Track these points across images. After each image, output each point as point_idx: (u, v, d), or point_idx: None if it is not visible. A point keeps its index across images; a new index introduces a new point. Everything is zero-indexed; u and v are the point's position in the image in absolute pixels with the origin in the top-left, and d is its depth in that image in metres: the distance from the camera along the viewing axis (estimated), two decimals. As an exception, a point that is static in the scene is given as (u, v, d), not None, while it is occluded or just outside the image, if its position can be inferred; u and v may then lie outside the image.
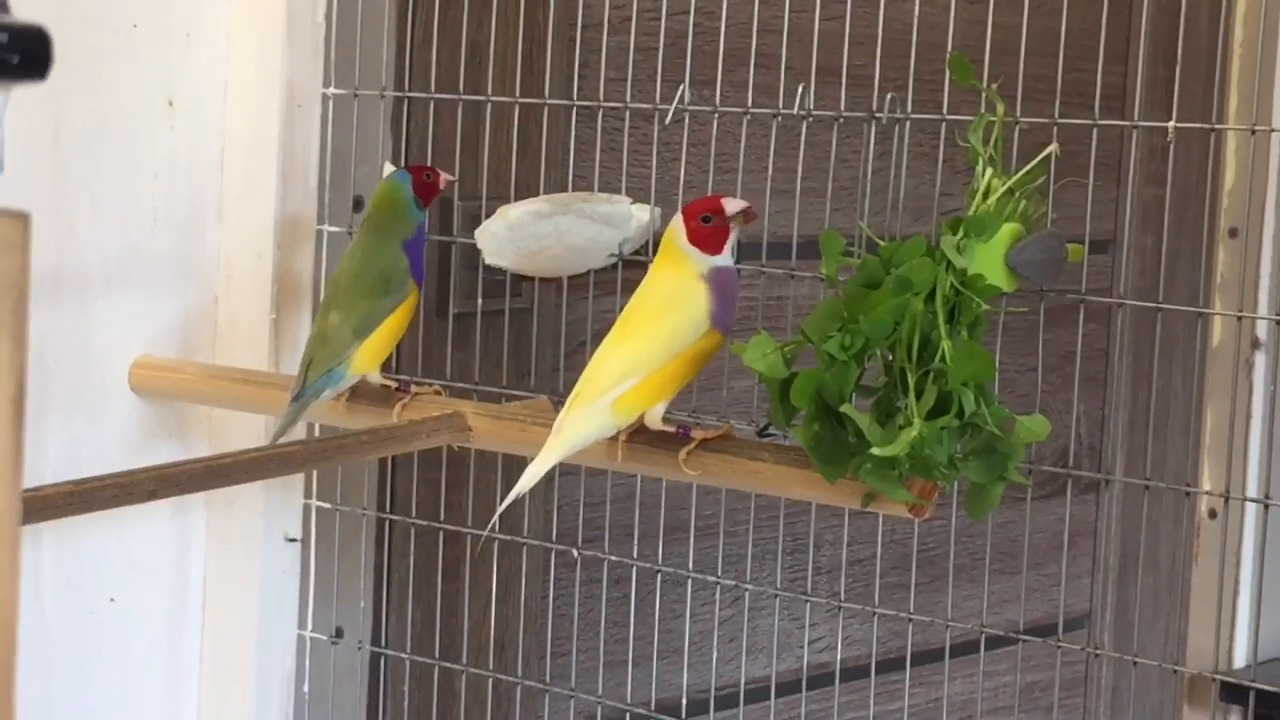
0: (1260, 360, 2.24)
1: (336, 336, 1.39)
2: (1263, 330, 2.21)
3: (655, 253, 1.46)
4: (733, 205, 1.26)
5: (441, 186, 1.44)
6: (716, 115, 1.47)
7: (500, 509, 1.24)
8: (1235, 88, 2.19)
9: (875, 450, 1.13)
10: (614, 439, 1.28)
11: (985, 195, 1.22)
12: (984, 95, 1.24)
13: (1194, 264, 2.18)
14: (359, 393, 1.43)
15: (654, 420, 1.25)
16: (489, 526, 1.28)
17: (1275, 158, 2.21)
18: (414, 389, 1.42)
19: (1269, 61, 2.13)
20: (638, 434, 1.28)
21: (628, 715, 1.63)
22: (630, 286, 1.55)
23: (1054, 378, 2.05)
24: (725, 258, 1.27)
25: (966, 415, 1.15)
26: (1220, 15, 2.08)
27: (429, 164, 1.50)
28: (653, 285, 1.29)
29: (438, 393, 1.43)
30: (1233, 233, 2.23)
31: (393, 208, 1.43)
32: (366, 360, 1.40)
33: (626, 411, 1.25)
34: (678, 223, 1.27)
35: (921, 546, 1.93)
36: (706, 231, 1.26)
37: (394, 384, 1.42)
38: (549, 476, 1.69)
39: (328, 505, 1.62)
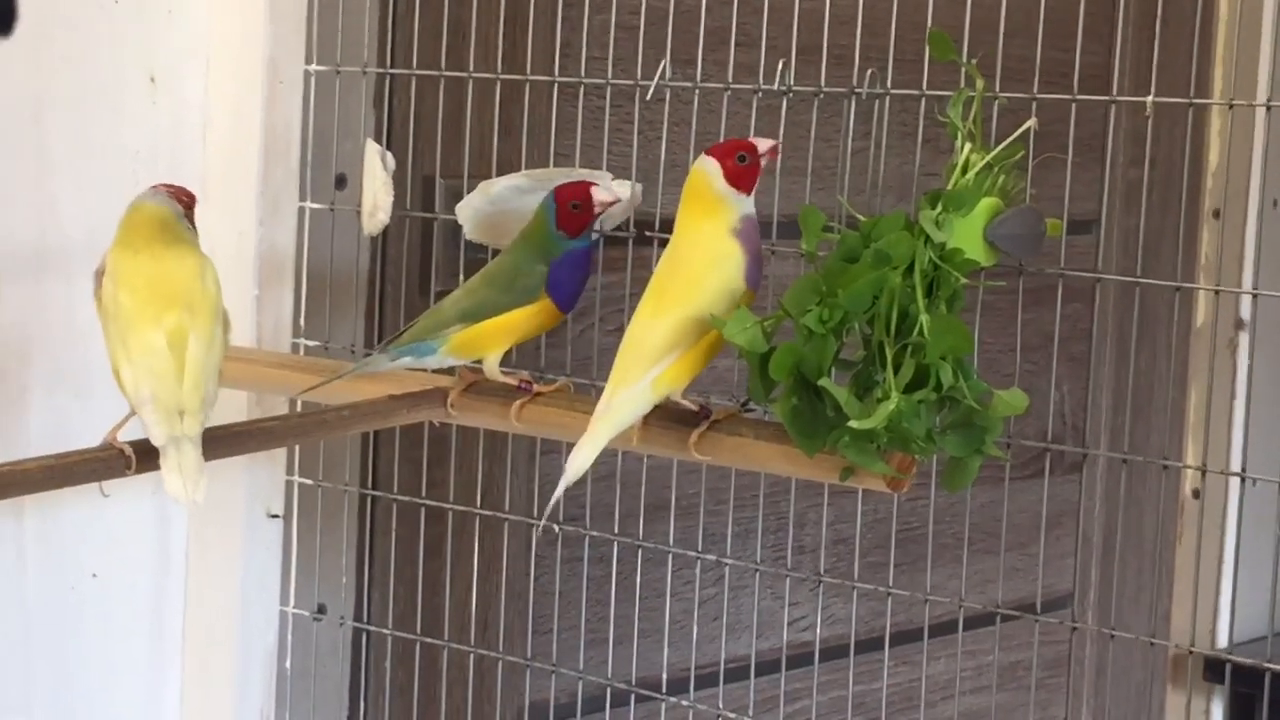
0: (1244, 341, 2.24)
1: (444, 313, 1.35)
2: (1246, 310, 2.21)
3: (633, 228, 1.47)
4: (764, 143, 1.26)
5: (596, 210, 1.34)
6: (697, 92, 1.47)
7: (553, 500, 1.22)
8: (1220, 66, 2.19)
9: (853, 423, 1.13)
10: None
11: (964, 170, 1.22)
12: (963, 70, 1.24)
13: (1178, 244, 2.18)
14: (479, 388, 1.36)
15: (676, 395, 1.24)
16: (544, 516, 1.26)
17: (1260, 137, 2.22)
18: (536, 387, 1.34)
19: (1252, 38, 2.13)
20: (651, 414, 1.25)
21: (609, 691, 1.63)
22: (611, 264, 1.56)
23: (1038, 357, 2.05)
24: (751, 202, 1.26)
25: (944, 389, 1.15)
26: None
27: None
28: (685, 246, 1.25)
29: (563, 390, 1.35)
30: (1216, 213, 2.23)
31: (538, 226, 1.36)
32: (465, 347, 1.34)
33: (665, 388, 1.23)
34: (709, 166, 1.25)
35: (907, 525, 1.93)
36: (742, 170, 1.25)
37: (515, 381, 1.34)
38: (531, 454, 1.70)
39: (310, 481, 1.62)
